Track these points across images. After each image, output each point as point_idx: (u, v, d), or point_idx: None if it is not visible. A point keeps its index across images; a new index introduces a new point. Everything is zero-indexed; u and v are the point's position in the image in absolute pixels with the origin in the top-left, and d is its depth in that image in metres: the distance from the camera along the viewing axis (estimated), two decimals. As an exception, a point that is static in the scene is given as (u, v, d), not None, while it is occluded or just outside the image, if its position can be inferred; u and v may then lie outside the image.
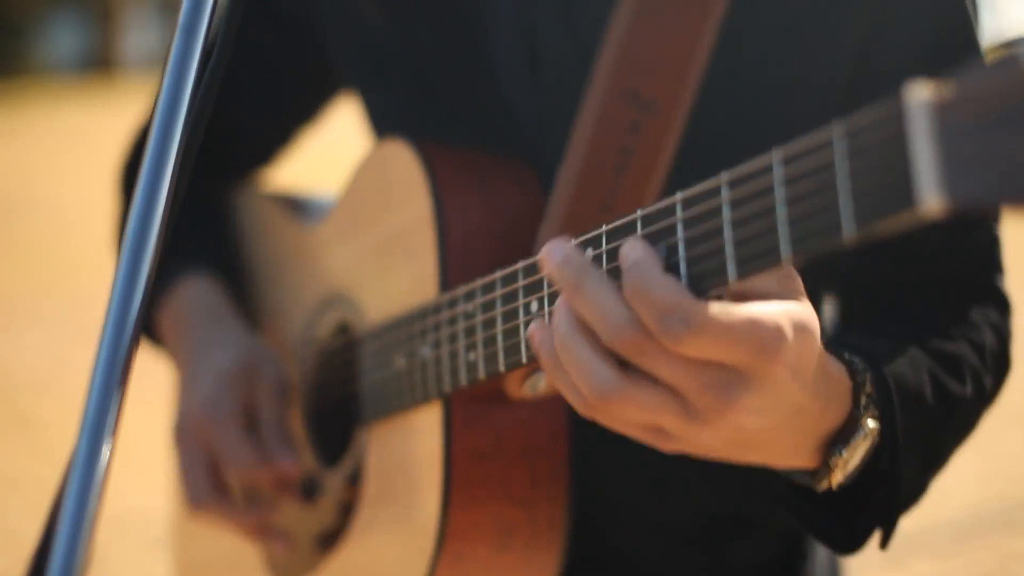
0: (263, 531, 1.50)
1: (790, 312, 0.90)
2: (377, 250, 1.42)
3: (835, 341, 1.10)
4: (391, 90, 1.53)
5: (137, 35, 26.19)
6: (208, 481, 1.46)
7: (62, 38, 25.91)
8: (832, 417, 1.02)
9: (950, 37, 1.28)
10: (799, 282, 0.93)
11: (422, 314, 1.28)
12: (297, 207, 1.72)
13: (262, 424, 1.46)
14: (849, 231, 0.79)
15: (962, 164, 0.74)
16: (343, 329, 1.50)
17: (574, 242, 0.98)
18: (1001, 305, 1.30)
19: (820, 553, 1.56)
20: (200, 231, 1.69)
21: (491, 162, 1.38)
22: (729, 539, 1.51)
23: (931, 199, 0.74)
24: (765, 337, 0.88)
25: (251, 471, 1.43)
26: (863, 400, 1.04)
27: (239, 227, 1.76)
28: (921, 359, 1.16)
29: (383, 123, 1.57)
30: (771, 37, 1.31)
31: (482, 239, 1.29)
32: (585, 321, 0.93)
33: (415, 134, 1.37)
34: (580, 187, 1.20)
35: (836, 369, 1.02)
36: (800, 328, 0.90)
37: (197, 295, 1.62)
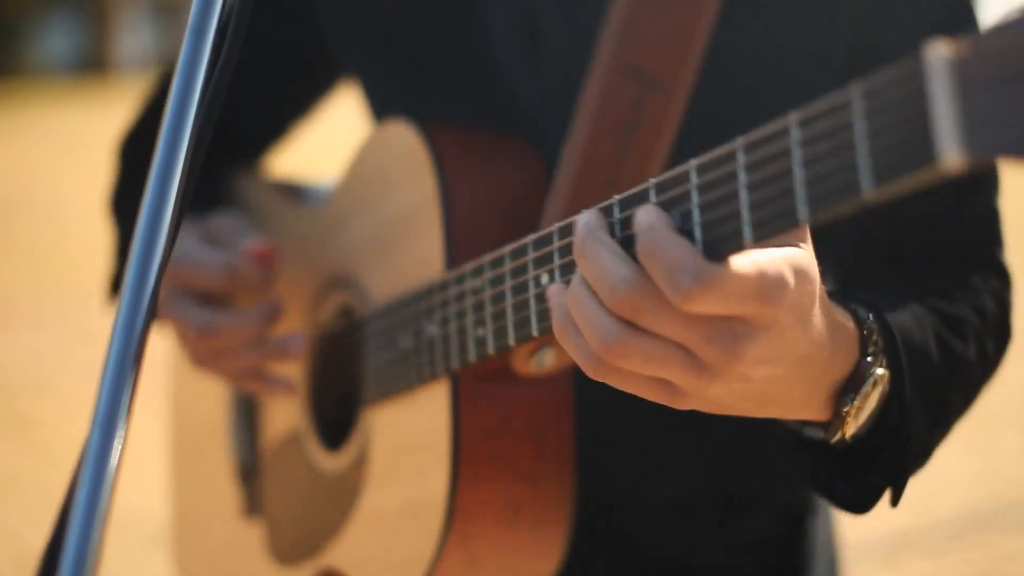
0: (264, 377, 1.49)
1: (790, 258, 0.90)
2: (381, 231, 1.42)
3: (840, 293, 1.10)
4: (391, 71, 1.54)
5: (131, 37, 26.22)
6: (200, 315, 1.44)
7: (56, 39, 25.93)
8: (840, 365, 1.02)
9: (949, 15, 1.29)
10: (805, 229, 0.93)
11: (428, 292, 1.28)
12: (297, 194, 1.72)
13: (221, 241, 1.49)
14: (868, 189, 0.79)
15: (982, 120, 0.73)
16: (346, 312, 1.50)
17: (592, 210, 0.99)
18: (1002, 275, 1.31)
19: (821, 533, 1.57)
20: (203, 207, 1.68)
21: (494, 141, 1.39)
22: (733, 516, 1.53)
23: (951, 155, 0.74)
24: (769, 285, 0.88)
25: (227, 272, 1.43)
26: (870, 348, 1.04)
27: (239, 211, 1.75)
28: (925, 316, 1.17)
29: (383, 105, 1.57)
30: (770, 12, 1.32)
31: (487, 217, 1.29)
32: (592, 283, 0.94)
33: (416, 115, 1.37)
34: (585, 163, 1.22)
35: (842, 317, 1.03)
36: (801, 273, 0.91)
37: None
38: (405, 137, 1.35)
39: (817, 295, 0.94)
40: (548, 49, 1.39)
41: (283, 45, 1.69)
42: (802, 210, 0.83)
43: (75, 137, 13.77)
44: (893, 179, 0.78)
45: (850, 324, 1.04)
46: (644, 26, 1.21)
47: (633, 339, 0.92)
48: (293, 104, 1.80)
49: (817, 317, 0.95)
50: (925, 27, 1.23)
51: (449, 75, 1.49)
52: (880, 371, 1.05)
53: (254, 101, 1.73)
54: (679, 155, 1.08)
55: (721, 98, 1.30)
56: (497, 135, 1.41)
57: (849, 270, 1.33)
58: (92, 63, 24.88)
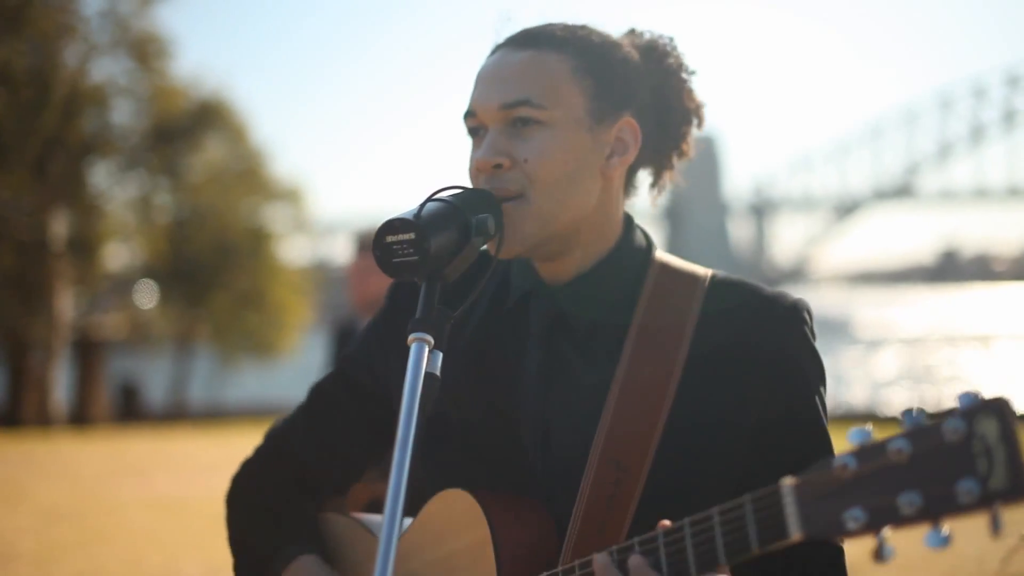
0: None
1: None
2: (446, 561, 2.01)
3: None
4: (443, 449, 2.09)
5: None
6: None
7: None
8: None
9: (800, 432, 1.99)
10: (725, 568, 1.65)
11: None
12: (372, 525, 2.29)
13: None
14: (755, 547, 1.55)
15: (811, 515, 1.50)
16: None
17: (604, 552, 1.74)
18: None
19: None
20: (305, 531, 2.29)
21: (518, 501, 1.98)
22: None
23: (795, 532, 1.51)
24: None
25: None
26: None
27: (327, 537, 2.33)
28: None
29: (431, 464, 2.13)
30: (700, 422, 1.96)
31: (521, 554, 1.93)
32: None
33: (456, 474, 2.02)
34: (586, 520, 1.93)
35: None
36: None
37: (312, 562, 2.21)
38: (464, 498, 1.97)
39: None
40: (555, 444, 2.02)
41: (364, 419, 2.27)
42: (721, 558, 1.60)
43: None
44: (769, 543, 1.54)
45: None
46: (621, 436, 1.94)
47: None
48: (365, 461, 2.34)
49: None
50: (792, 441, 1.96)
51: (486, 449, 2.06)
52: None
53: (340, 460, 2.33)
54: (641, 509, 1.88)
55: (665, 472, 1.93)
56: (518, 496, 1.99)
57: None
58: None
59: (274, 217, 33.82)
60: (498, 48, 2.08)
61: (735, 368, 1.97)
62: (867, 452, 1.46)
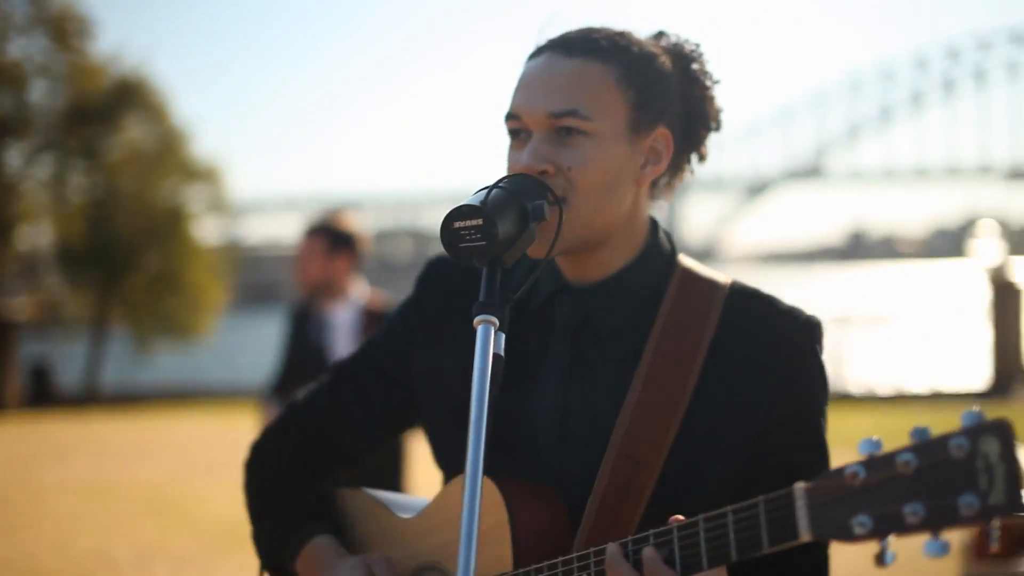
0: None
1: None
2: None
3: None
4: (457, 430, 2.08)
5: None
6: None
7: None
8: None
9: (802, 443, 2.11)
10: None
11: None
12: (388, 502, 2.36)
13: None
14: (767, 546, 1.67)
15: (820, 518, 1.63)
16: None
17: (616, 544, 1.85)
18: None
19: None
20: (322, 506, 2.39)
21: (534, 487, 2.09)
22: None
23: (805, 534, 1.63)
24: None
25: None
26: None
27: (342, 511, 2.43)
28: None
29: (445, 451, 2.28)
30: (711, 426, 2.06)
31: (536, 539, 2.03)
32: None
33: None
34: (601, 510, 2.04)
35: None
36: None
37: (327, 544, 2.29)
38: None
39: None
40: (572, 437, 2.12)
41: (384, 400, 2.39)
42: (733, 553, 1.72)
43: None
44: (779, 543, 1.66)
45: None
46: (637, 432, 2.05)
47: None
48: (382, 438, 2.45)
49: None
50: (793, 453, 2.08)
51: (501, 441, 2.13)
52: None
53: (359, 435, 2.42)
54: (653, 502, 2.00)
55: (677, 469, 2.04)
56: (535, 484, 2.09)
57: None
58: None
59: (192, 197, 33.41)
60: (541, 51, 2.15)
61: (748, 377, 2.08)
62: (876, 462, 1.59)
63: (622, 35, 2.15)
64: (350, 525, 2.41)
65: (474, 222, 1.91)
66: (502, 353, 1.87)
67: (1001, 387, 22.35)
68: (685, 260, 2.22)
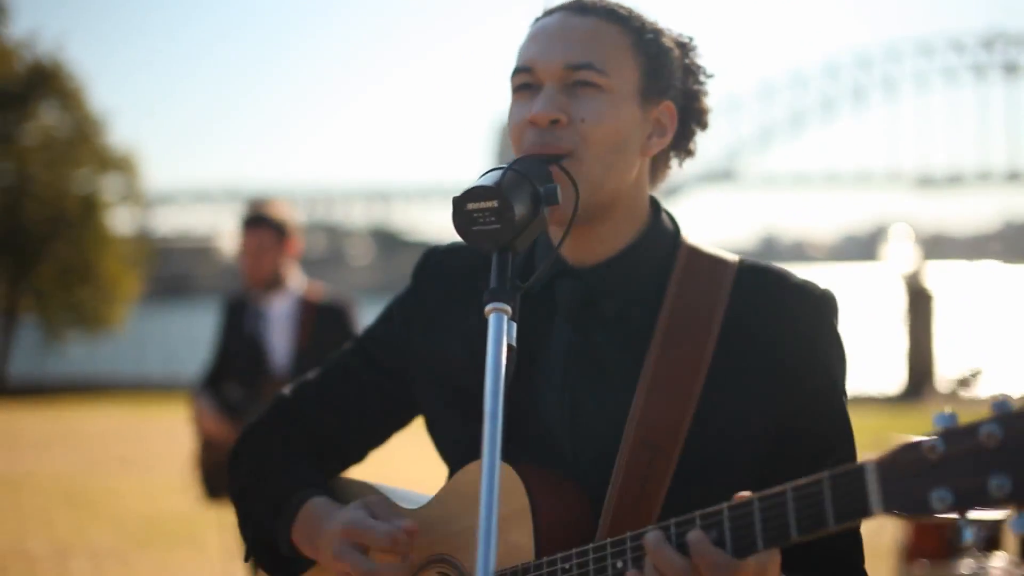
0: None
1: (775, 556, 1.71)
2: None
3: None
4: (461, 418, 2.11)
5: None
6: (365, 563, 2.00)
7: None
8: None
9: (823, 419, 2.03)
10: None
11: (524, 570, 1.92)
12: (386, 493, 2.24)
13: (379, 515, 2.06)
14: (832, 525, 1.58)
15: (894, 493, 1.54)
16: None
17: (657, 529, 1.75)
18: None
19: None
20: (318, 479, 2.26)
21: (555, 476, 2.01)
22: None
23: (878, 510, 1.54)
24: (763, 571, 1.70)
25: (390, 539, 1.98)
26: None
27: (337, 493, 2.27)
28: None
29: (451, 443, 2.18)
30: (730, 406, 1.99)
31: (558, 527, 1.94)
32: (660, 569, 1.71)
33: (477, 453, 1.95)
34: (621, 497, 1.96)
35: None
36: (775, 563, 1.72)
37: (324, 501, 2.17)
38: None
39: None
40: (584, 425, 2.04)
41: (379, 393, 2.29)
42: (793, 533, 1.62)
43: None
44: (847, 520, 1.57)
45: None
46: (654, 417, 1.97)
47: None
48: (378, 434, 2.35)
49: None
50: (817, 429, 2.01)
51: (507, 430, 2.02)
52: None
53: (352, 431, 2.32)
54: (674, 488, 1.92)
55: (696, 456, 1.98)
56: (552, 471, 2.01)
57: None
58: None
59: (106, 187, 32.72)
60: (553, 11, 2.10)
61: (763, 354, 2.01)
62: (956, 435, 1.51)
63: (631, 9, 2.12)
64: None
65: (489, 204, 1.83)
66: (514, 343, 1.78)
67: (914, 391, 22.75)
68: (690, 239, 2.15)
